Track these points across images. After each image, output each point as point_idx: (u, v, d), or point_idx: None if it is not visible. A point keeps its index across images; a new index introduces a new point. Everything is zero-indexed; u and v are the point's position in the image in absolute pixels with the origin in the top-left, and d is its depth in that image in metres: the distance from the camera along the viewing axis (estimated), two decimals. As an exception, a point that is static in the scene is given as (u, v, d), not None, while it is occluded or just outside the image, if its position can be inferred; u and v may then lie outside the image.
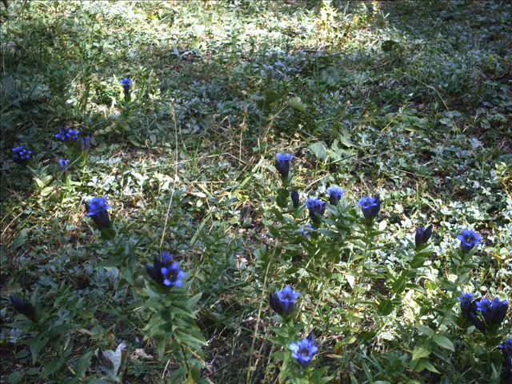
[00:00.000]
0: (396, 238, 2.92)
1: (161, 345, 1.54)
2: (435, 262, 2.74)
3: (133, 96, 4.33)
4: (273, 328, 1.76)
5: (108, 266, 1.91)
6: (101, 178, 3.43)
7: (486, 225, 2.99)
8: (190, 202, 3.25)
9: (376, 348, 2.29)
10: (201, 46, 5.83)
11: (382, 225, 3.00)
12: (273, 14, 6.98)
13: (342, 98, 4.42)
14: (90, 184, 3.36)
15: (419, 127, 3.96)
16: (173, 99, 4.51)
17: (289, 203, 2.34)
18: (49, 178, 3.29)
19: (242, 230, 3.10)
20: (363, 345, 2.25)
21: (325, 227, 2.23)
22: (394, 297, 2.29)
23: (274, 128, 3.84)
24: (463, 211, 3.02)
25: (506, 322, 2.36)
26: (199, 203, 3.22)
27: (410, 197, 3.25)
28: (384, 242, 2.90)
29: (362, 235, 2.07)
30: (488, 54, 4.83)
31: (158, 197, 3.28)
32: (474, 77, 4.39)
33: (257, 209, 3.24)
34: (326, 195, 3.26)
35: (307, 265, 2.18)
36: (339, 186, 3.40)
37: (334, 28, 5.95)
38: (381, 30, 6.18)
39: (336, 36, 5.78)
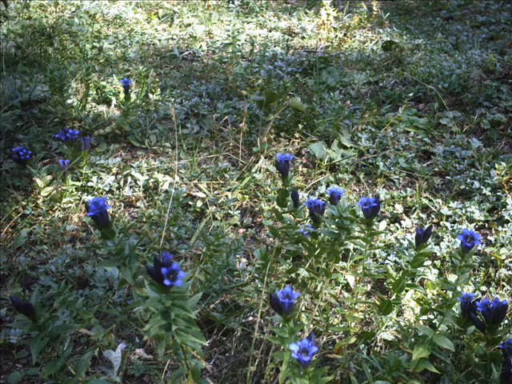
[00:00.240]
0: (396, 238, 2.92)
1: (161, 345, 1.54)
2: (435, 262, 2.74)
3: (133, 96, 4.33)
4: (273, 328, 1.76)
5: (108, 266, 1.91)
6: (101, 178, 3.43)
7: (486, 225, 2.99)
8: (190, 202, 3.25)
9: (376, 348, 2.29)
10: (201, 46, 5.84)
11: (382, 225, 3.00)
12: (273, 14, 6.98)
13: (341, 98, 4.42)
14: (90, 184, 3.36)
15: (419, 127, 3.96)
16: (173, 99, 4.51)
17: (289, 203, 2.35)
18: (49, 178, 3.29)
19: (241, 230, 3.10)
20: (363, 345, 2.25)
21: (325, 227, 2.23)
22: (393, 297, 2.30)
23: (274, 128, 3.84)
24: (463, 211, 3.02)
25: (506, 321, 2.36)
26: (199, 203, 3.22)
27: (410, 197, 3.25)
28: (384, 242, 2.90)
29: (362, 235, 2.07)
30: (488, 54, 4.83)
31: (158, 197, 3.28)
32: (474, 77, 4.39)
33: (257, 209, 3.24)
34: (326, 195, 3.26)
35: (307, 265, 2.18)
36: (339, 186, 3.40)
37: (334, 28, 5.94)
38: (381, 30, 6.18)
39: (336, 36, 5.79)
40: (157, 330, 1.49)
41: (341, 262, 2.68)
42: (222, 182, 3.45)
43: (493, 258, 2.71)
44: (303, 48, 5.68)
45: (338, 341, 2.32)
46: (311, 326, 2.30)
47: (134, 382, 2.22)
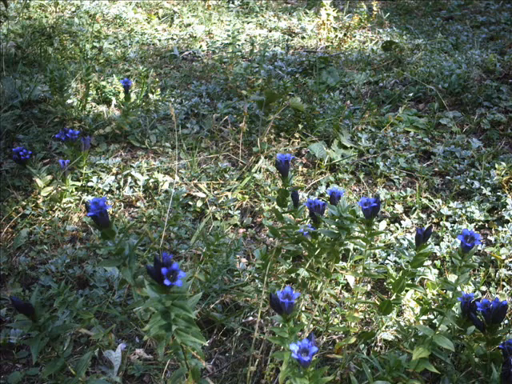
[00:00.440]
0: (396, 238, 2.92)
1: (161, 345, 1.54)
2: (435, 262, 2.74)
3: (133, 96, 4.33)
4: (273, 328, 1.76)
5: (108, 266, 1.90)
6: (101, 178, 3.43)
7: (486, 225, 2.99)
8: (190, 202, 3.25)
9: (376, 348, 2.29)
10: (201, 46, 5.84)
11: (382, 225, 3.00)
12: (273, 14, 6.98)
13: (341, 97, 4.42)
14: (90, 184, 3.36)
15: (419, 127, 3.96)
16: (173, 99, 4.51)
17: (289, 203, 2.35)
18: (49, 178, 3.29)
19: (241, 230, 3.10)
20: (363, 345, 2.25)
21: (325, 227, 2.23)
22: (393, 297, 2.30)
23: (274, 128, 3.84)
24: (463, 211, 3.02)
25: (506, 321, 2.36)
26: (199, 203, 3.22)
27: (410, 197, 3.25)
28: (384, 242, 2.90)
29: (362, 235, 2.07)
30: (488, 54, 4.83)
31: (158, 197, 3.28)
32: (474, 77, 4.39)
33: (257, 209, 3.24)
34: (326, 195, 3.26)
35: (307, 265, 2.18)
36: (339, 186, 3.40)
37: (334, 28, 5.94)
38: (381, 30, 6.18)
39: (336, 36, 5.78)
40: (157, 329, 1.49)
41: (341, 262, 2.68)
42: (222, 182, 3.45)
43: (493, 258, 2.71)
44: (303, 48, 5.68)
45: (338, 341, 2.32)
46: (311, 326, 2.30)
47: (134, 382, 2.22)
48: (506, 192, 3.11)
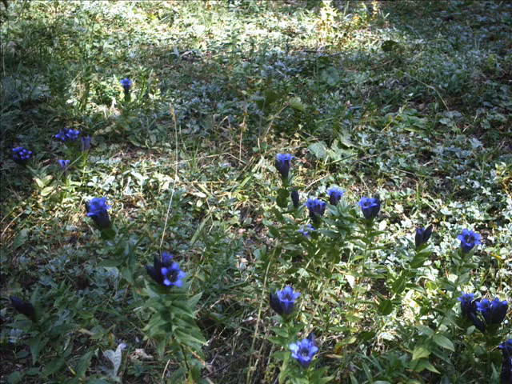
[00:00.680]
0: (396, 238, 2.92)
1: (161, 345, 1.54)
2: (435, 262, 2.74)
3: (133, 96, 4.33)
4: (273, 328, 1.76)
5: (108, 266, 1.91)
6: (101, 178, 3.43)
7: (486, 225, 2.99)
8: (190, 202, 3.25)
9: (376, 348, 2.29)
10: (201, 46, 5.84)
11: (382, 225, 3.00)
12: (273, 14, 6.98)
13: (341, 97, 4.42)
14: (90, 184, 3.36)
15: (419, 127, 3.96)
16: (173, 99, 4.51)
17: (289, 203, 2.35)
18: (49, 178, 3.29)
19: (241, 230, 3.10)
20: (363, 345, 2.25)
21: (325, 227, 2.23)
22: (393, 297, 2.30)
23: (274, 128, 3.84)
24: (463, 211, 3.02)
25: (506, 321, 2.36)
26: (199, 203, 3.22)
27: (410, 197, 3.25)
28: (384, 242, 2.90)
29: (362, 235, 2.07)
30: (488, 54, 4.83)
31: (158, 197, 3.28)
32: (474, 77, 4.39)
33: (257, 209, 3.24)
34: (326, 195, 3.26)
35: (307, 265, 2.18)
36: (339, 186, 3.40)
37: (334, 28, 5.94)
38: (381, 30, 6.18)
39: (336, 36, 5.78)
40: (157, 329, 1.49)
41: (341, 262, 2.68)
42: (222, 182, 3.45)
43: (493, 258, 2.71)
44: (303, 48, 5.68)
45: (338, 341, 2.32)
46: (311, 326, 2.30)
47: (134, 382, 2.22)
48: (506, 192, 3.11)
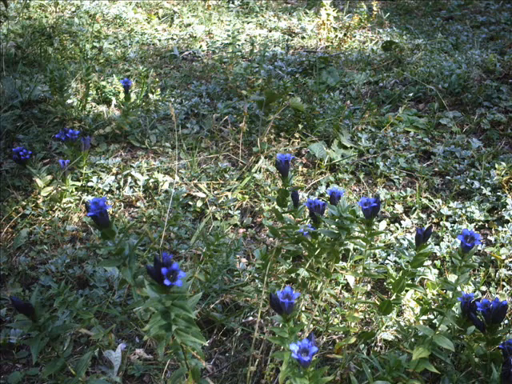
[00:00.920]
0: (396, 238, 2.92)
1: (161, 345, 1.54)
2: (435, 262, 2.74)
3: (133, 96, 4.33)
4: (273, 328, 1.76)
5: (108, 266, 1.91)
6: (101, 178, 3.43)
7: (486, 225, 2.99)
8: (190, 202, 3.25)
9: (376, 348, 2.29)
10: (201, 46, 5.84)
11: (382, 225, 3.00)
12: (273, 14, 6.98)
13: (341, 97, 4.42)
14: (90, 184, 3.36)
15: (419, 127, 3.96)
16: (173, 99, 4.51)
17: (289, 203, 2.34)
18: (49, 178, 3.29)
19: (241, 230, 3.10)
20: (363, 345, 2.25)
21: (325, 227, 2.23)
22: (393, 297, 2.30)
23: (274, 128, 3.84)
24: (463, 211, 3.02)
25: (506, 321, 2.36)
26: (199, 203, 3.22)
27: (410, 197, 3.25)
28: (384, 242, 2.90)
29: (362, 235, 2.07)
30: (488, 54, 4.83)
31: (158, 197, 3.28)
32: (474, 77, 4.39)
33: (257, 209, 3.24)
34: (326, 195, 3.26)
35: (307, 265, 2.18)
36: (339, 186, 3.40)
37: (334, 28, 5.94)
38: (381, 30, 6.18)
39: (336, 36, 5.78)
40: (157, 329, 1.49)
41: (341, 262, 2.68)
42: (222, 182, 3.45)
43: (493, 258, 2.71)
44: (303, 48, 5.68)
45: (338, 341, 2.32)
46: (311, 326, 2.30)
47: (134, 382, 2.22)
48: (506, 192, 3.11)
